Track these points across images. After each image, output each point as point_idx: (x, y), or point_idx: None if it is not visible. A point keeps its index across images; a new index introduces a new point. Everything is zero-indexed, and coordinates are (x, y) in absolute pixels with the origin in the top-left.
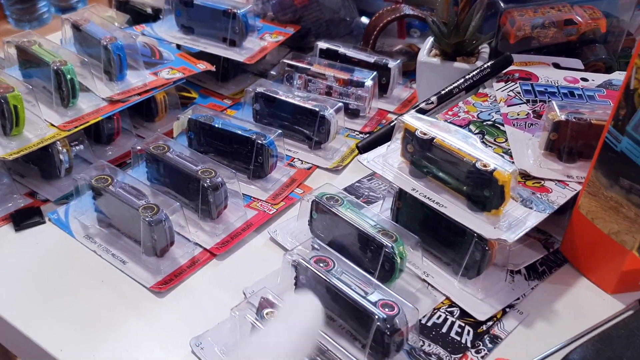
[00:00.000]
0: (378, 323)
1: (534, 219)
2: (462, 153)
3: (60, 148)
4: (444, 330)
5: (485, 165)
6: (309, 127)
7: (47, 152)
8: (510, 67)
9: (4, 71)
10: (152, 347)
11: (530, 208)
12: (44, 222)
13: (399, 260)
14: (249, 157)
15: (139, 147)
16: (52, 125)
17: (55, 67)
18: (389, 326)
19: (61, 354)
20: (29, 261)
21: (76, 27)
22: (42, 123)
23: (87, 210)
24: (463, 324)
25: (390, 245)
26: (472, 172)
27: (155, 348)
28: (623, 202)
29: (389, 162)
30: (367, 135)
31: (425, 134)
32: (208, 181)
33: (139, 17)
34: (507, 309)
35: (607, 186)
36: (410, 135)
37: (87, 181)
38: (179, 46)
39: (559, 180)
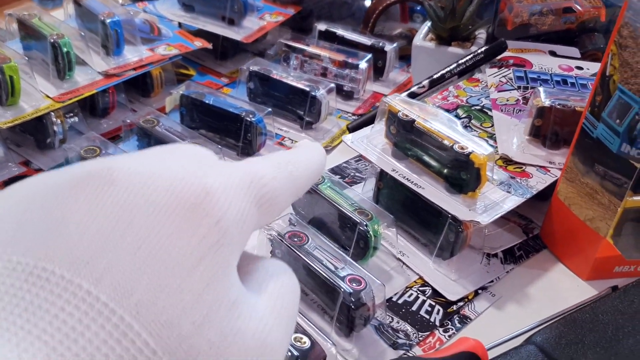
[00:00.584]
0: (344, 297)
1: (510, 202)
2: (441, 135)
3: (55, 119)
4: (414, 308)
5: (462, 148)
6: (300, 106)
7: (42, 123)
8: (505, 54)
9: (4, 44)
10: None
11: (509, 192)
12: None
13: (373, 238)
14: (238, 134)
15: (129, 121)
16: (48, 96)
17: (52, 40)
18: (353, 300)
19: None
20: None
21: (77, 3)
22: (38, 94)
23: None
24: (434, 303)
25: (364, 223)
26: (450, 154)
27: None
28: (598, 188)
29: (372, 143)
30: (359, 117)
31: (407, 115)
32: None
33: None
34: (480, 291)
35: (583, 172)
36: (393, 117)
37: (76, 152)
38: (180, 24)
39: (540, 166)
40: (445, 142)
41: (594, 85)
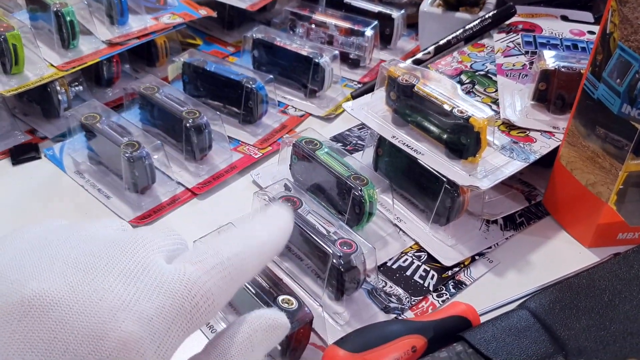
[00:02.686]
0: (333, 260)
1: (512, 167)
2: (441, 100)
3: (59, 88)
4: (408, 273)
5: (461, 112)
6: (304, 74)
7: (47, 92)
8: (515, 19)
9: (11, 14)
10: None
11: (511, 157)
12: (39, 158)
13: (367, 203)
14: (240, 102)
15: (131, 90)
16: (52, 65)
17: (56, 9)
18: (343, 262)
19: None
20: (21, 194)
21: None
22: (42, 63)
23: (80, 147)
24: (428, 269)
25: (359, 188)
26: (449, 118)
27: None
28: (599, 151)
29: (373, 110)
30: (363, 85)
31: (406, 80)
32: (191, 121)
33: None
34: (477, 257)
35: (584, 135)
36: (393, 82)
37: (77, 119)
38: None
39: (544, 131)
40: (445, 106)
41: (594, 43)
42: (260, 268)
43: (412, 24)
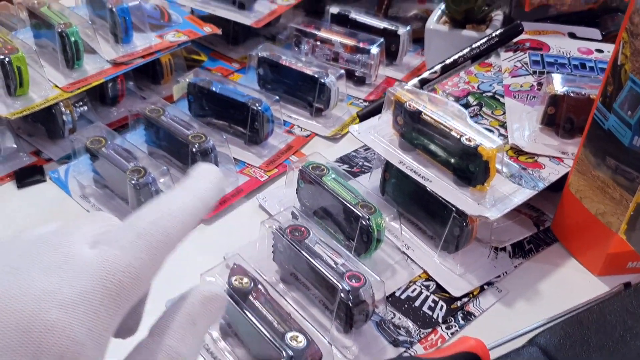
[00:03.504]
0: (342, 294)
1: (521, 196)
2: (449, 127)
3: (64, 109)
4: (417, 304)
5: (470, 140)
6: (310, 93)
7: (51, 113)
8: (522, 36)
9: (14, 33)
10: None
11: (520, 185)
12: (44, 181)
13: (375, 231)
14: (245, 123)
15: (136, 111)
16: (57, 86)
17: (60, 30)
18: (352, 297)
19: None
20: (26, 218)
21: None
22: (47, 84)
23: (85, 170)
24: (437, 299)
25: (367, 217)
26: (458, 146)
27: None
28: (609, 182)
29: (379, 133)
30: (369, 104)
31: (413, 106)
32: (197, 146)
33: None
34: (486, 286)
35: (595, 165)
36: (400, 107)
37: (82, 142)
38: (192, 10)
39: (553, 157)
40: (453, 134)
41: (605, 74)
42: (185, 230)
43: (417, 39)
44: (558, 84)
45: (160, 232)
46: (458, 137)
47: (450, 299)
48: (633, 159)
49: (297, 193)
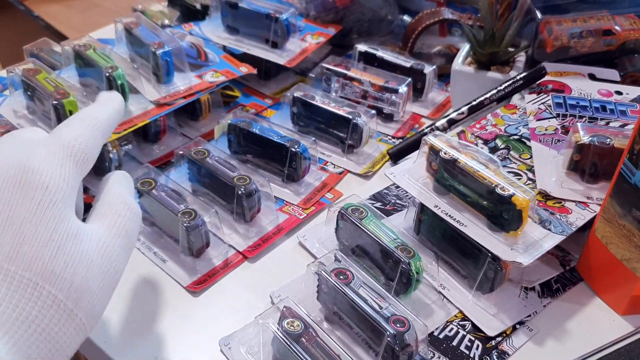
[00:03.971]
0: (389, 339)
1: (550, 241)
2: (483, 176)
3: (110, 148)
4: (455, 343)
5: (504, 190)
6: (342, 131)
7: (100, 152)
8: (545, 78)
9: (59, 72)
10: (184, 344)
11: (549, 229)
12: None
13: (415, 275)
14: (284, 162)
15: (181, 152)
16: None
17: (107, 74)
18: (398, 342)
19: (105, 345)
20: None
21: (128, 31)
22: None
23: None
24: (473, 338)
25: (407, 261)
26: (492, 195)
27: (187, 346)
28: (635, 232)
29: (414, 177)
30: (399, 141)
31: (449, 154)
32: (242, 188)
33: (188, 11)
34: (518, 325)
35: (621, 215)
36: (434, 154)
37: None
38: (224, 47)
39: (579, 202)
40: (487, 182)
41: (632, 133)
42: (112, 129)
43: (441, 75)
44: (583, 133)
45: (92, 117)
46: (493, 185)
47: (485, 338)
48: None
49: (336, 232)
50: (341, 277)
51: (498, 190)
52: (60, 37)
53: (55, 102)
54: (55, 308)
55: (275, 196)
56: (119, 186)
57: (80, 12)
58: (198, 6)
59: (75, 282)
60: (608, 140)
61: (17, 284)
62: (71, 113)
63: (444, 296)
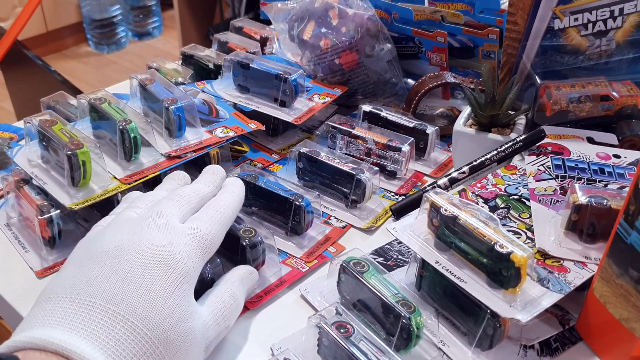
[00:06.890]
0: None
1: (549, 299)
2: (483, 233)
3: (120, 197)
4: None
5: (502, 247)
6: (346, 187)
7: (109, 200)
8: (544, 140)
9: (73, 124)
10: None
11: (547, 287)
12: None
13: (415, 330)
14: (287, 215)
15: None
16: (115, 177)
17: (121, 127)
18: None
19: None
20: None
21: (142, 86)
22: (106, 175)
23: None
24: None
25: (408, 316)
26: (491, 252)
27: None
28: (632, 291)
29: (415, 232)
30: (401, 198)
31: (449, 212)
32: (247, 240)
33: (201, 70)
34: None
35: (618, 274)
36: (435, 211)
37: None
38: (235, 104)
39: (577, 261)
40: (487, 240)
41: (627, 194)
42: (233, 216)
43: (443, 135)
44: (581, 194)
45: (223, 212)
46: (492, 243)
47: None
48: None
49: (337, 286)
50: (342, 330)
51: (497, 248)
52: (76, 92)
53: (69, 152)
54: None
55: (278, 248)
56: (235, 279)
57: (96, 69)
58: (211, 65)
59: (180, 351)
60: (605, 201)
61: (140, 339)
62: (84, 163)
63: (444, 352)
